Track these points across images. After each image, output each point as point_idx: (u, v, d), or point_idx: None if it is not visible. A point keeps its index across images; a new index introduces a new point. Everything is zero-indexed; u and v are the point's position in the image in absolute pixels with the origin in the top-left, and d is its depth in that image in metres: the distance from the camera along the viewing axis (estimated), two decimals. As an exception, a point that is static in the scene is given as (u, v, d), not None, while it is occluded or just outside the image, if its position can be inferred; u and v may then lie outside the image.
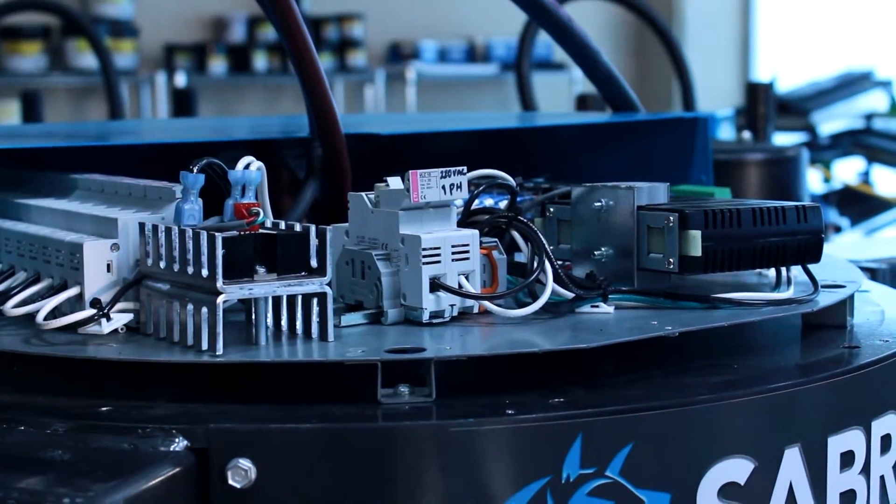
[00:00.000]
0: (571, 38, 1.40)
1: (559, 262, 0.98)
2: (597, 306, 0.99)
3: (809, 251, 1.04)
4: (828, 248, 1.07)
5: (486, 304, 0.96)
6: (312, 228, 0.89)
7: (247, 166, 0.95)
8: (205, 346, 0.87)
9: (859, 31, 7.56)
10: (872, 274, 1.64)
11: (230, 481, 0.79)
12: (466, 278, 0.95)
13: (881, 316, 1.10)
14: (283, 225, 0.92)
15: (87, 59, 6.10)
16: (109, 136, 1.56)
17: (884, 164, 4.37)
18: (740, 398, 0.88)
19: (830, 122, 4.43)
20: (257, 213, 0.91)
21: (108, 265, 0.94)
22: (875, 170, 4.37)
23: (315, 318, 0.89)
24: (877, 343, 1.01)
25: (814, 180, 3.84)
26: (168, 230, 0.89)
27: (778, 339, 1.04)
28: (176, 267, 0.88)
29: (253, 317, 0.89)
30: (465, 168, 0.96)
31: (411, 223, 0.96)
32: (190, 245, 0.87)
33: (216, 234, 0.86)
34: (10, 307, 0.95)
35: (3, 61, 6.45)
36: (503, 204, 1.10)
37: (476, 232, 0.97)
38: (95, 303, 0.92)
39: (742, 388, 0.89)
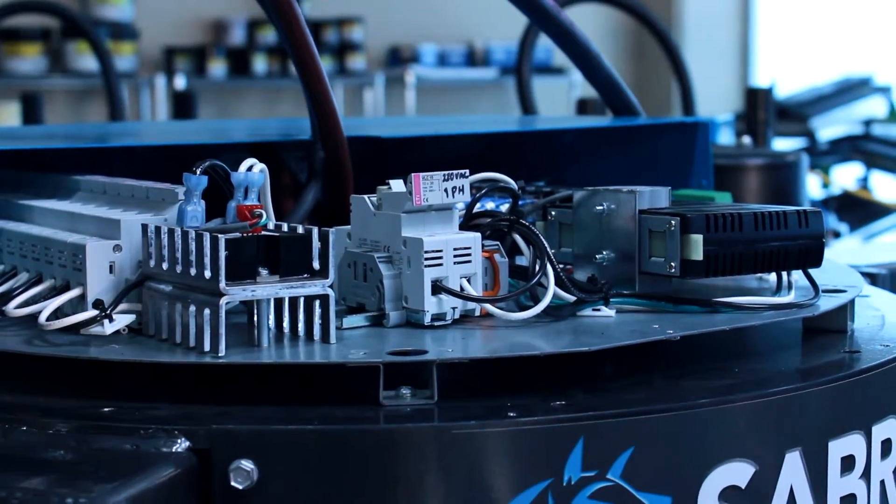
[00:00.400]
0: (573, 43, 1.40)
1: (561, 266, 0.98)
2: (598, 310, 0.99)
3: (811, 256, 1.04)
4: (827, 254, 1.07)
5: (488, 306, 0.96)
6: (315, 231, 0.89)
7: (249, 168, 0.94)
8: (207, 347, 0.87)
9: (858, 37, 7.56)
10: (872, 279, 1.64)
11: (232, 482, 0.79)
12: (468, 281, 0.95)
13: (881, 321, 1.11)
14: (285, 227, 0.92)
15: (86, 61, 6.11)
16: (110, 138, 1.56)
17: (883, 170, 4.37)
18: (741, 402, 0.88)
19: (829, 127, 4.43)
20: (260, 215, 0.91)
21: (111, 266, 0.94)
22: (874, 175, 4.37)
23: (317, 320, 0.90)
24: (877, 348, 1.01)
25: (813, 186, 3.83)
26: (171, 231, 0.89)
27: (779, 344, 1.04)
28: (178, 268, 0.88)
29: (255, 318, 0.89)
30: (467, 171, 0.96)
31: (413, 226, 0.96)
32: (193, 246, 0.87)
33: (219, 235, 0.86)
34: (13, 308, 0.95)
35: (2, 63, 6.46)
36: (505, 207, 1.10)
37: (478, 235, 0.97)
38: (98, 304, 0.92)
39: (743, 391, 0.89)
